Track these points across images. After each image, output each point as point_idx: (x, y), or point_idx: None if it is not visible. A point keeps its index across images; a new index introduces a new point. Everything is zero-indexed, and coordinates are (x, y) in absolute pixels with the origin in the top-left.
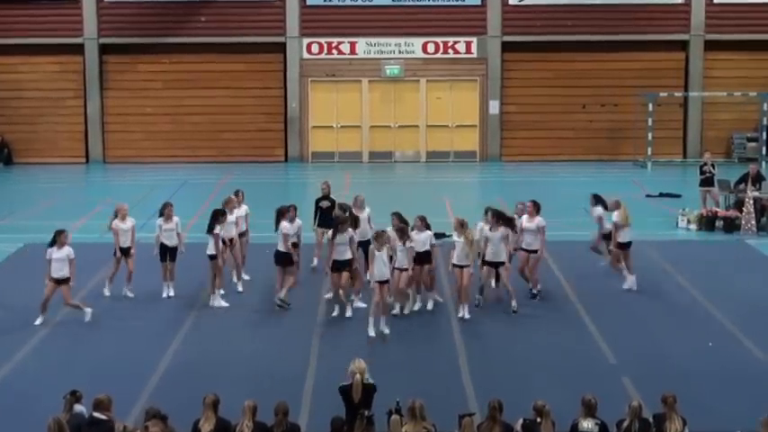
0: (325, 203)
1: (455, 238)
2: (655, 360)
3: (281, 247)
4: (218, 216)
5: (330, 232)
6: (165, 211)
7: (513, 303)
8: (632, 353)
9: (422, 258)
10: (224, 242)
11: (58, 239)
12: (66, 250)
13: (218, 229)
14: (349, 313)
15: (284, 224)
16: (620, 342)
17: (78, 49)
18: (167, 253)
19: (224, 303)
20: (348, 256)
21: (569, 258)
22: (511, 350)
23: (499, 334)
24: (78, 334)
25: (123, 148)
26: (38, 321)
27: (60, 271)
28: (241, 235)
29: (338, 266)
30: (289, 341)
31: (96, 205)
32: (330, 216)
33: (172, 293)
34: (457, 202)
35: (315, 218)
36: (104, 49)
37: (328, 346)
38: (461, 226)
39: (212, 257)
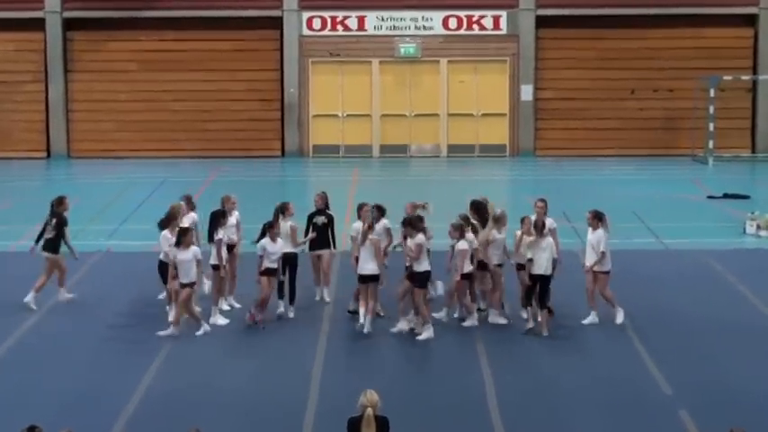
0: (320, 219)
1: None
2: (718, 389)
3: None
4: (218, 219)
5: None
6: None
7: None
8: (691, 381)
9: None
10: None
11: (183, 240)
12: (194, 250)
13: (220, 234)
14: (368, 328)
15: (263, 242)
16: (676, 369)
17: (38, 25)
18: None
19: (224, 321)
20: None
21: (616, 271)
22: (547, 380)
23: (533, 360)
24: (43, 357)
25: (91, 141)
26: (167, 332)
27: (187, 275)
28: (230, 247)
29: (366, 278)
30: (286, 365)
31: None
32: (326, 235)
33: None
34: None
35: (305, 235)
36: (69, 25)
37: (333, 372)
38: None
39: (215, 267)
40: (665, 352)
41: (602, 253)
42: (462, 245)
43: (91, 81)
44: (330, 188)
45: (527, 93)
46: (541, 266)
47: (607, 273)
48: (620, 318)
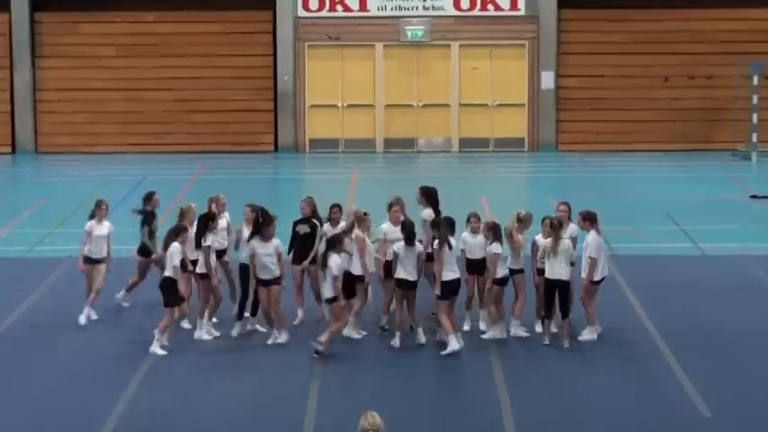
0: (302, 228)
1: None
2: (763, 410)
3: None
4: (206, 223)
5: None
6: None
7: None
8: (732, 402)
9: (474, 267)
10: (217, 255)
11: (266, 231)
12: (276, 244)
13: (209, 240)
14: (397, 342)
15: (253, 243)
16: (714, 387)
17: (2, 4)
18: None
19: (211, 335)
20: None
21: (647, 279)
22: (570, 398)
23: (554, 378)
24: (11, 373)
25: (61, 135)
26: (278, 340)
27: (270, 272)
28: (220, 253)
29: (403, 284)
30: (281, 384)
31: (26, 209)
32: (309, 245)
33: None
34: (499, 204)
35: (290, 248)
36: (37, 4)
37: (330, 392)
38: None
39: (203, 276)
40: (702, 368)
41: (591, 259)
42: (497, 247)
43: (62, 68)
44: (328, 187)
45: (548, 80)
46: (560, 271)
47: (595, 283)
48: (587, 335)
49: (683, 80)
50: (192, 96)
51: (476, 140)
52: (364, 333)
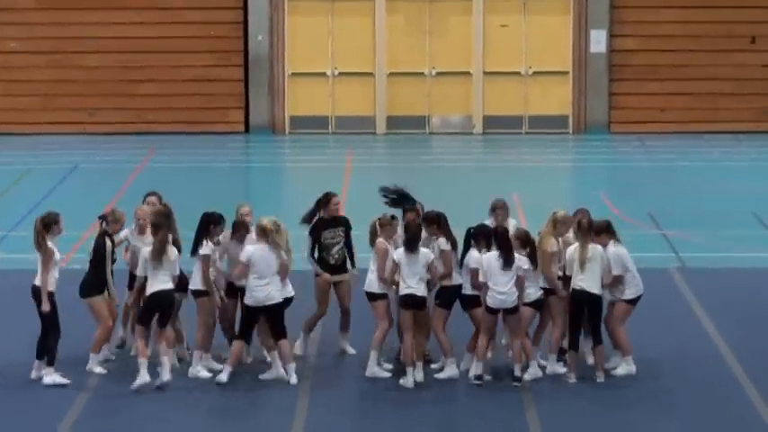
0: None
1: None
2: None
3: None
4: (207, 226)
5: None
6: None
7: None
8: None
9: None
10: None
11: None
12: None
13: (206, 249)
14: (420, 377)
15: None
16: None
17: None
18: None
19: (207, 373)
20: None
21: (725, 297)
22: None
23: (597, 421)
24: None
25: None
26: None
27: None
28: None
29: (409, 301)
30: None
31: None
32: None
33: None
34: (533, 202)
35: (312, 251)
36: None
37: None
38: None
39: (199, 294)
40: None
41: (617, 277)
42: (525, 262)
43: None
44: (316, 178)
45: (599, 42)
46: (590, 283)
47: (629, 302)
48: (622, 369)
49: None
50: (136, 61)
51: (505, 119)
52: (389, 366)
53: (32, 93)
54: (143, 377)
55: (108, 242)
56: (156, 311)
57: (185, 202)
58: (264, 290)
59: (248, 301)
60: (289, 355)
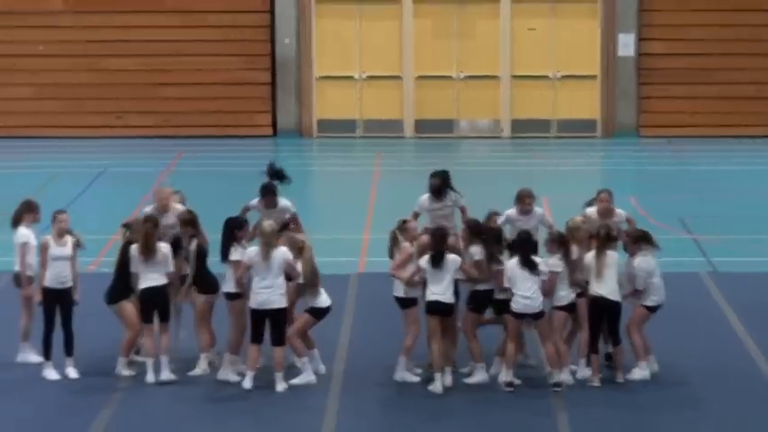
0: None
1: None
2: None
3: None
4: (233, 232)
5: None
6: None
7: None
8: None
9: None
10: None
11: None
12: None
13: (236, 254)
14: (448, 382)
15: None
16: None
17: None
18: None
19: (237, 377)
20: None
21: (758, 301)
22: None
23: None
24: None
25: None
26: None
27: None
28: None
29: (435, 308)
30: None
31: None
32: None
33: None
34: (563, 206)
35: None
36: None
37: None
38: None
39: (232, 297)
40: None
41: (638, 291)
42: (556, 265)
43: None
44: (344, 182)
45: (627, 45)
46: (608, 290)
47: (649, 309)
48: (638, 373)
49: None
50: (163, 65)
51: (533, 123)
52: (419, 371)
53: (60, 96)
54: (151, 375)
55: (132, 250)
56: (151, 307)
57: (212, 205)
58: (265, 293)
59: (251, 303)
60: (280, 362)
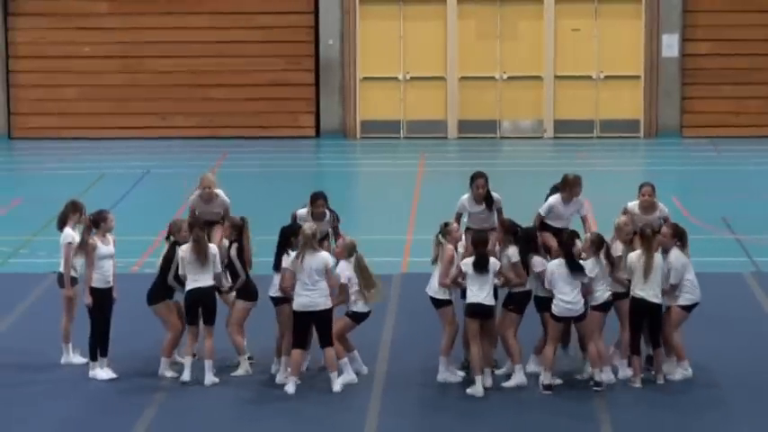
0: None
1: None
2: None
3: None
4: (288, 239)
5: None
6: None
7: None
8: None
9: None
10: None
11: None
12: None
13: (287, 262)
14: (488, 383)
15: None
16: None
17: None
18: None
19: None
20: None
21: None
22: None
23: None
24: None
25: (41, 115)
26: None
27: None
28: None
29: (476, 310)
30: None
31: None
32: None
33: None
34: (605, 206)
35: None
36: None
37: None
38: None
39: (278, 301)
40: None
41: (672, 286)
42: (591, 269)
43: (41, 28)
44: (388, 183)
45: (671, 46)
46: (651, 292)
47: (685, 309)
48: (680, 373)
49: None
50: (207, 66)
51: (576, 123)
52: (461, 374)
53: (105, 97)
54: (186, 375)
55: (177, 250)
56: (198, 308)
57: (256, 206)
58: (307, 295)
59: (294, 306)
60: (332, 362)
